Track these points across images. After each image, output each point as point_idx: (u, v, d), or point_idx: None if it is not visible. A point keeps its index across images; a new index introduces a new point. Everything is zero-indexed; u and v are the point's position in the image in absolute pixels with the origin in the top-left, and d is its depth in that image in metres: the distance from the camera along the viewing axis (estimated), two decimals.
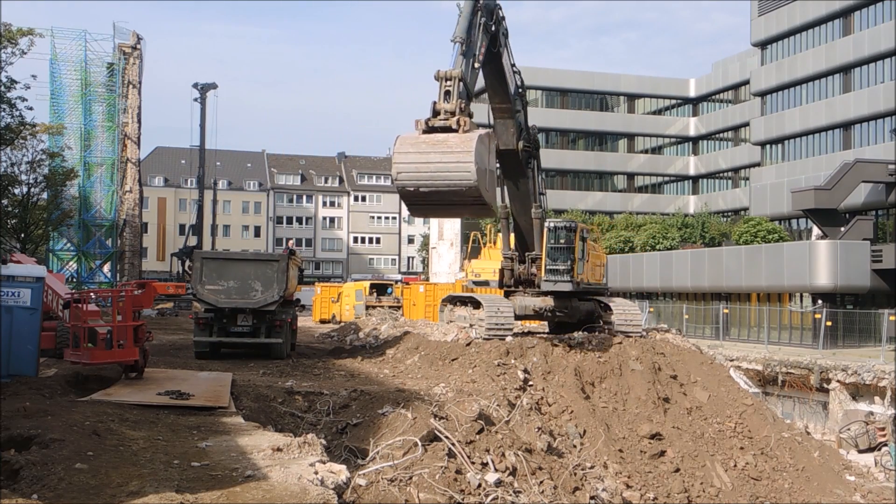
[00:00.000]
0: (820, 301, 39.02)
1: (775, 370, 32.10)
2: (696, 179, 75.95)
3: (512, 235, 23.00)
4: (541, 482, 12.89)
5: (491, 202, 15.52)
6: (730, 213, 69.64)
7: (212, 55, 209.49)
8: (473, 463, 12.12)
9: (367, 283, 48.36)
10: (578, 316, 23.34)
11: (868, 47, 47.03)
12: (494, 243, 24.79)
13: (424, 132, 14.81)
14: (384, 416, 13.64)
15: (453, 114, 14.92)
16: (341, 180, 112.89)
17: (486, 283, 23.26)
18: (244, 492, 8.34)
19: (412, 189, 14.71)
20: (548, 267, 22.33)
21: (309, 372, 20.32)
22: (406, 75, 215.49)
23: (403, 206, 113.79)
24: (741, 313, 42.54)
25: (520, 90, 20.52)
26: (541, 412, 17.38)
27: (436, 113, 15.20)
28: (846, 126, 49.18)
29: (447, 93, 15.12)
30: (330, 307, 48.09)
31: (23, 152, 45.10)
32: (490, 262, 23.64)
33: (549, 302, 23.19)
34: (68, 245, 59.52)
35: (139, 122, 63.26)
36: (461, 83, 15.44)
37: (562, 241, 22.54)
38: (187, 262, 24.30)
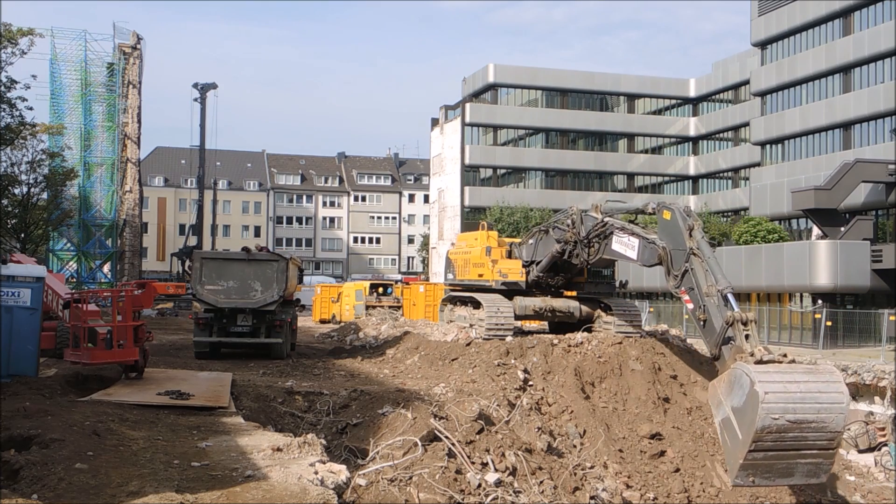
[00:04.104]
0: (820, 301, 39.01)
1: None
2: (696, 179, 75.92)
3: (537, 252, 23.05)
4: (541, 482, 12.90)
5: (834, 454, 13.53)
6: (730, 213, 69.58)
7: (212, 55, 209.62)
8: (473, 463, 12.12)
9: (367, 283, 48.35)
10: (578, 316, 23.36)
11: (868, 47, 46.97)
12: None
13: (757, 363, 13.51)
14: (384, 416, 13.65)
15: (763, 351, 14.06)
16: (341, 180, 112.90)
17: (515, 284, 23.32)
18: (244, 492, 8.34)
19: (776, 418, 12.46)
20: (591, 270, 22.83)
21: (309, 372, 20.34)
22: (406, 75, 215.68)
23: (403, 206, 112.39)
24: None
25: None
26: (541, 412, 17.37)
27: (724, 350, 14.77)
28: (846, 126, 49.10)
29: (747, 335, 14.61)
30: (330, 307, 48.09)
31: (23, 152, 45.24)
32: (517, 263, 23.66)
33: (549, 302, 23.20)
34: (68, 245, 59.53)
35: (139, 122, 63.30)
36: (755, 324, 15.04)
37: None
38: (187, 262, 24.33)
